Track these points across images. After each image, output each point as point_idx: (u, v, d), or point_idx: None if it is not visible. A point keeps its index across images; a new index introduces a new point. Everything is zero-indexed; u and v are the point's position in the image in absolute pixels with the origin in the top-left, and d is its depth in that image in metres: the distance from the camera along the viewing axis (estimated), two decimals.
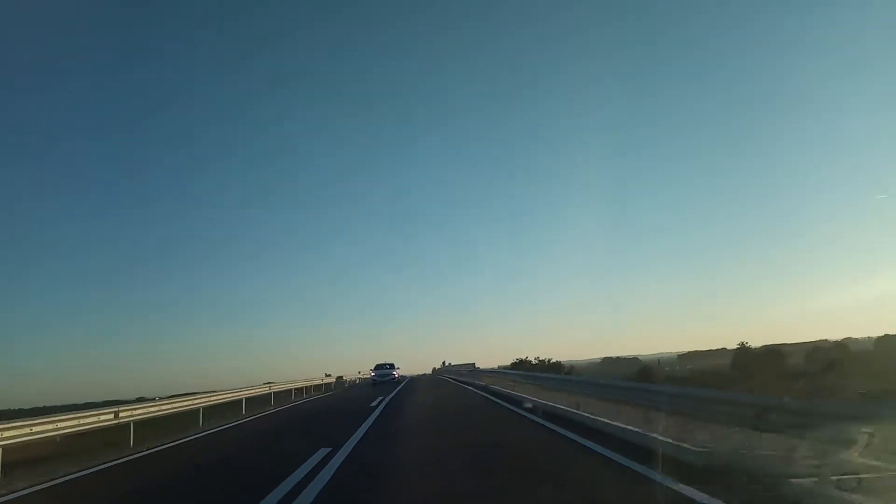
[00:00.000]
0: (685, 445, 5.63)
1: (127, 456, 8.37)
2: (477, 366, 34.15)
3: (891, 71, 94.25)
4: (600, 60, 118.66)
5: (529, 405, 11.17)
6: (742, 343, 55.33)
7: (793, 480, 4.03)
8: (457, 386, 23.63)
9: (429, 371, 57.34)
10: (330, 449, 7.44)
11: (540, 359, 45.64)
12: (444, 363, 52.81)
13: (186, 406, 12.29)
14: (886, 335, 54.01)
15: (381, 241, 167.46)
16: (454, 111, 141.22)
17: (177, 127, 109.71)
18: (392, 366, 33.32)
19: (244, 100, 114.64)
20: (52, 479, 6.67)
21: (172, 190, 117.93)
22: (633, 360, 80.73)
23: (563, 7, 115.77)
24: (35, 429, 7.72)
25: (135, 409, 10.18)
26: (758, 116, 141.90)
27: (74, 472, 7.10)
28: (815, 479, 3.89)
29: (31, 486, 6.37)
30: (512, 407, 11.78)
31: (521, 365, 43.43)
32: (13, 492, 6.10)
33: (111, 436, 10.25)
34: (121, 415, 9.70)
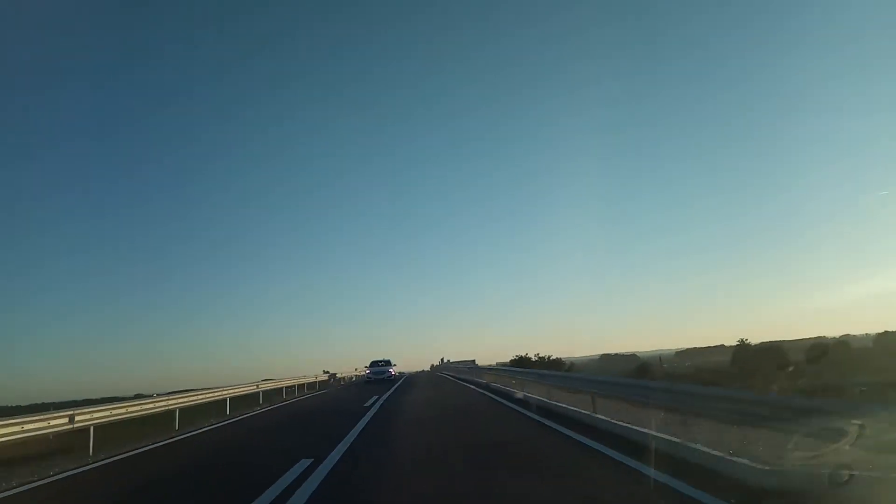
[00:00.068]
0: (742, 461, 4.38)
1: (75, 469, 7.07)
2: (477, 363, 32.62)
3: (891, 70, 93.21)
4: (600, 60, 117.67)
5: (546, 409, 9.90)
6: (742, 340, 54.32)
7: None
8: (456, 384, 22.34)
9: (427, 368, 56.17)
10: (310, 461, 6.21)
11: (540, 355, 44.41)
12: (442, 360, 51.57)
13: (161, 407, 10.96)
14: (886, 332, 53.12)
15: (381, 239, 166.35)
16: (454, 110, 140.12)
17: (176, 126, 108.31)
18: (388, 362, 31.42)
19: (244, 100, 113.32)
20: None
21: (172, 189, 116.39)
22: (632, 357, 79.55)
23: (562, 7, 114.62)
24: None
25: (95, 411, 8.85)
26: (755, 115, 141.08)
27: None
28: None
29: None
30: (524, 411, 10.50)
31: (521, 362, 42.14)
32: None
33: (69, 442, 8.97)
34: (77, 419, 8.38)
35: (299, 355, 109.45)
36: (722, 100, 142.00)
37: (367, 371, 30.71)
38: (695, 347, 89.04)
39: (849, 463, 3.39)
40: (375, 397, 15.88)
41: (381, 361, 31.60)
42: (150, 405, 10.66)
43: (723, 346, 79.04)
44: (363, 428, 9.00)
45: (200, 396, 12.73)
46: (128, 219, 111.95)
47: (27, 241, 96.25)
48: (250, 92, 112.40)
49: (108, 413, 9.21)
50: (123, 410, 9.76)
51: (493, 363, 38.90)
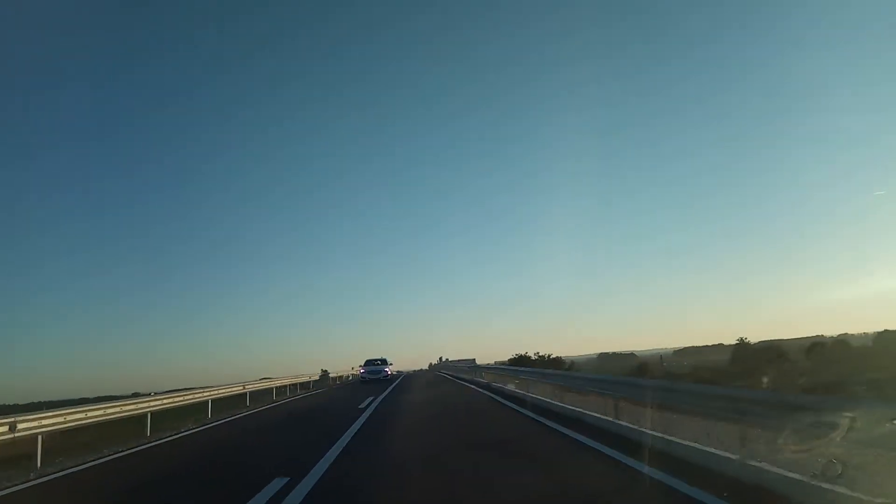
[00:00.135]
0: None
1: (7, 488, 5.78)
2: (477, 362, 31.26)
3: (891, 68, 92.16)
4: (600, 60, 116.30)
5: (566, 417, 8.64)
6: (741, 338, 53.39)
7: None
8: (456, 384, 21.08)
9: (425, 367, 54.93)
10: (286, 481, 5.00)
11: (539, 354, 43.27)
12: (441, 359, 50.32)
13: (129, 412, 9.65)
14: (886, 330, 52.28)
15: (380, 238, 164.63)
16: (454, 110, 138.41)
17: (176, 126, 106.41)
18: (384, 361, 29.42)
19: (244, 100, 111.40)
20: None
21: (172, 189, 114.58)
22: (630, 356, 78.44)
23: (562, 6, 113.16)
24: None
25: (44, 418, 7.54)
26: (754, 114, 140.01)
27: None
28: None
29: None
30: (538, 417, 9.22)
31: (520, 361, 41.03)
32: None
33: (20, 451, 7.67)
34: (20, 426, 7.07)
35: (298, 354, 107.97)
36: (721, 99, 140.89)
37: (362, 371, 28.54)
38: (693, 346, 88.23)
39: (842, 456, 3.32)
40: (371, 398, 14.60)
41: (376, 360, 29.57)
42: (117, 409, 9.35)
43: (721, 344, 78.19)
44: (354, 435, 7.72)
45: (178, 399, 11.41)
46: (127, 218, 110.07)
47: (27, 241, 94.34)
48: (250, 92, 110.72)
49: (61, 420, 7.89)
50: (82, 416, 8.44)
51: (492, 362, 37.56)
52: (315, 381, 24.34)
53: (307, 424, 10.30)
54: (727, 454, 4.51)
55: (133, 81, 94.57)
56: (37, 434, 7.36)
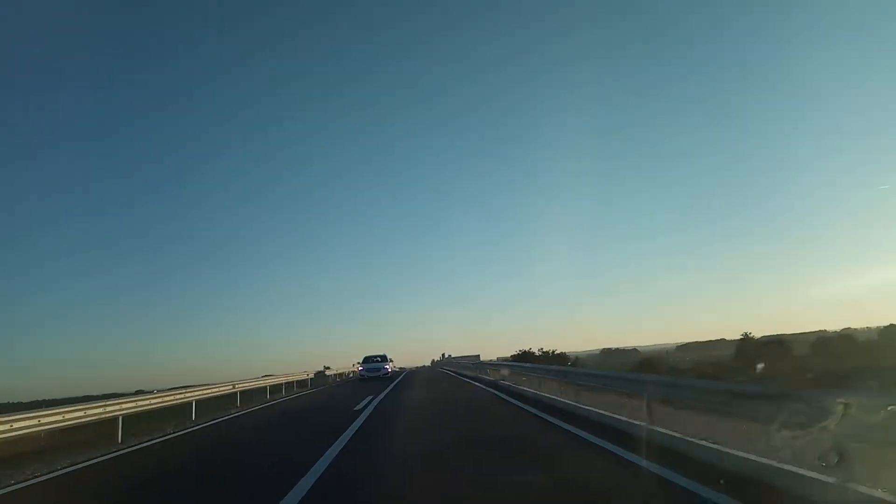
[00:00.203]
0: None
1: None
2: (481, 358, 29.90)
3: (892, 63, 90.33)
4: (599, 60, 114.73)
5: (598, 423, 7.37)
6: (745, 333, 52.00)
7: None
8: (461, 381, 19.81)
9: (428, 363, 53.80)
10: None
11: (544, 350, 41.97)
12: (443, 355, 49.15)
13: (95, 416, 8.42)
14: (892, 325, 50.97)
15: (381, 237, 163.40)
16: (454, 109, 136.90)
17: (176, 126, 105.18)
18: (384, 358, 27.32)
19: (244, 100, 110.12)
20: None
21: (172, 189, 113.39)
22: (632, 352, 77.08)
23: (561, 6, 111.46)
24: None
25: None
26: (755, 111, 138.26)
27: None
28: None
29: None
30: (563, 424, 7.95)
31: (524, 357, 39.78)
32: None
33: None
34: None
35: (301, 352, 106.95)
36: (722, 96, 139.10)
37: (360, 368, 26.40)
38: (695, 342, 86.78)
39: (839, 445, 3.23)
40: (370, 398, 13.35)
41: (375, 357, 27.47)
42: (80, 413, 8.12)
43: (724, 339, 76.80)
44: (345, 446, 6.45)
45: (156, 400, 10.16)
46: (127, 218, 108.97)
47: (27, 241, 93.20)
48: (250, 92, 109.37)
49: (6, 427, 6.66)
50: (34, 422, 7.20)
51: (495, 358, 36.38)
52: (314, 378, 22.82)
53: (294, 431, 9.04)
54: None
55: (133, 81, 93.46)
56: None
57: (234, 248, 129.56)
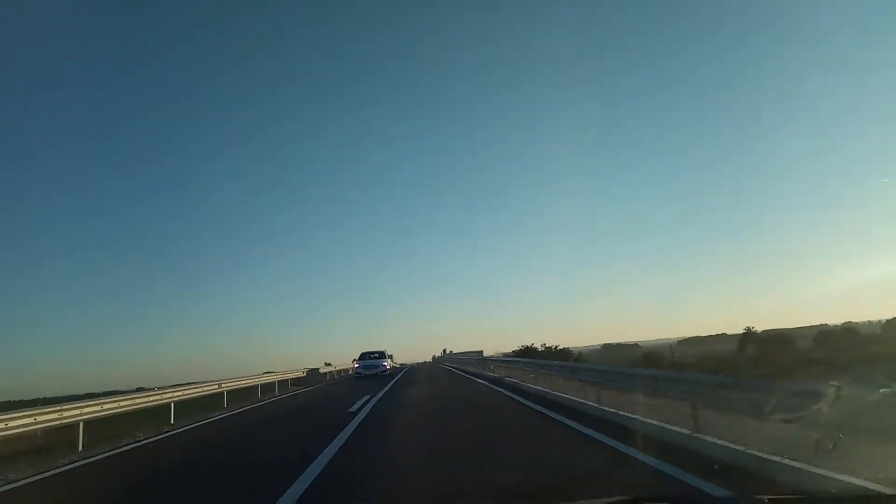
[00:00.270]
0: None
1: None
2: (485, 354, 28.56)
3: (892, 57, 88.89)
4: (597, 59, 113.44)
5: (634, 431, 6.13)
6: (748, 328, 50.80)
7: None
8: (464, 378, 18.58)
9: (429, 359, 52.63)
10: None
11: (546, 345, 40.71)
12: (444, 351, 47.95)
13: (50, 422, 7.17)
14: (895, 318, 49.84)
15: (382, 233, 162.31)
16: (455, 106, 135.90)
17: (176, 126, 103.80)
18: (382, 355, 25.21)
19: (244, 100, 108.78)
20: None
21: (171, 188, 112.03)
22: (634, 346, 75.91)
23: (560, 5, 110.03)
24: None
25: None
26: (756, 106, 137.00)
27: None
28: None
29: None
30: (605, 438, 6.70)
31: (527, 352, 38.56)
32: None
33: None
34: None
35: (302, 348, 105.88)
36: (722, 92, 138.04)
37: (357, 365, 24.08)
38: (696, 336, 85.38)
39: (834, 431, 3.23)
40: (367, 397, 12.12)
41: (373, 353, 25.13)
42: (29, 420, 6.85)
43: (724, 334, 75.41)
44: (330, 462, 5.20)
45: (126, 403, 8.90)
46: (128, 218, 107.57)
47: (27, 241, 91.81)
48: (250, 92, 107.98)
49: None
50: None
51: (496, 354, 35.22)
52: (306, 376, 21.23)
53: (279, 438, 7.78)
54: None
55: (133, 81, 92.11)
56: None
57: (235, 247, 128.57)
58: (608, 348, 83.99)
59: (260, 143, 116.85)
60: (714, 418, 5.10)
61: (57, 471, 6.05)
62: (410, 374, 26.03)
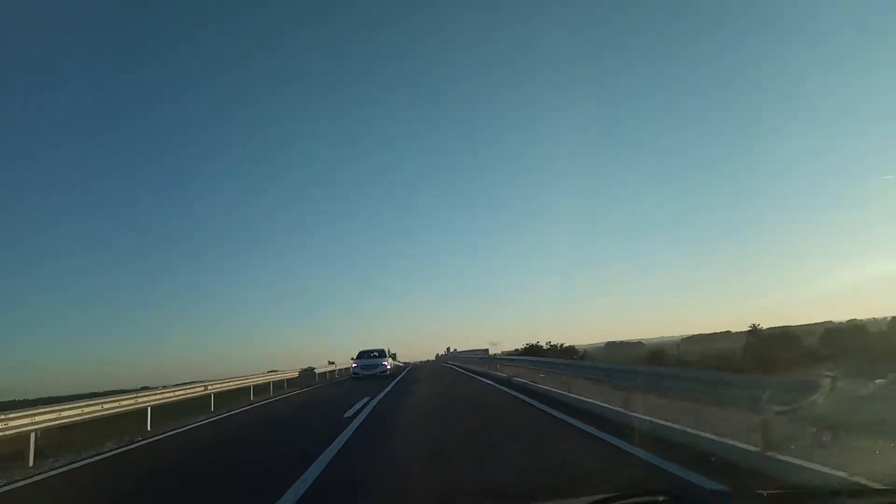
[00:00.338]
0: None
1: None
2: (491, 352, 27.27)
3: (893, 52, 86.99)
4: (596, 58, 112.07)
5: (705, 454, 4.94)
6: (753, 325, 49.51)
7: None
8: (470, 378, 17.43)
9: (432, 358, 51.53)
10: None
11: (552, 343, 39.55)
12: (448, 349, 46.80)
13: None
14: None
15: (383, 232, 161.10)
16: (455, 105, 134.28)
17: (176, 126, 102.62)
18: (382, 353, 23.09)
19: (244, 100, 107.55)
20: None
21: (171, 189, 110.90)
22: (638, 344, 74.51)
23: (558, 5, 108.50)
24: None
25: None
26: (756, 102, 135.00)
27: None
28: None
29: None
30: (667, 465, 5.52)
31: (532, 350, 37.42)
32: None
33: None
34: None
35: (305, 347, 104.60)
36: (722, 91, 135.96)
37: (354, 365, 21.85)
38: (700, 334, 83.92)
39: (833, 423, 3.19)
40: (366, 399, 10.99)
41: (372, 352, 22.96)
42: None
43: (729, 332, 74.01)
44: (314, 483, 4.05)
45: (91, 409, 7.77)
46: (128, 218, 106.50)
47: (27, 241, 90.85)
48: (250, 92, 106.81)
49: None
50: None
51: (499, 352, 34.07)
52: (302, 376, 19.83)
53: (257, 450, 6.66)
54: None
55: (133, 81, 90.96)
56: None
57: (236, 246, 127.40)
58: (612, 346, 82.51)
59: (260, 143, 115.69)
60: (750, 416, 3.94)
61: None
62: (413, 373, 24.89)
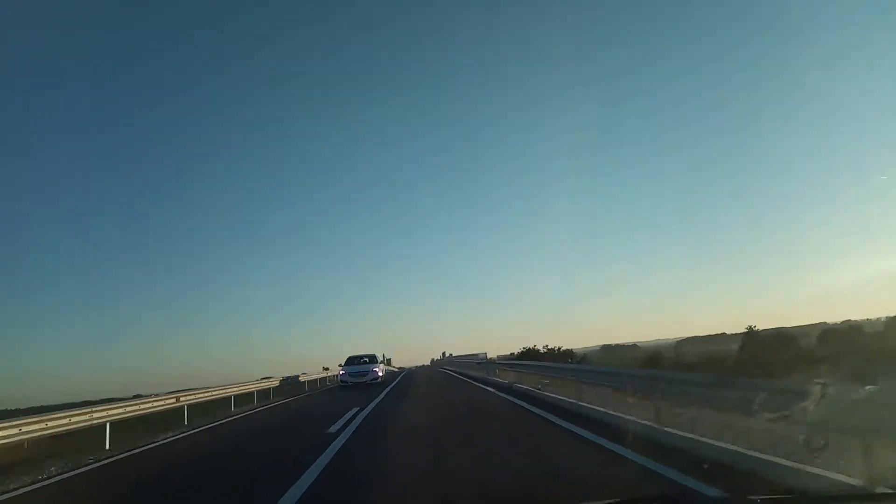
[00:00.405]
0: None
1: None
2: (489, 356, 26.07)
3: (892, 51, 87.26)
4: (597, 58, 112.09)
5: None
6: (750, 327, 48.83)
7: None
8: (470, 385, 16.30)
9: (427, 362, 50.36)
10: None
11: (549, 347, 38.58)
12: (443, 354, 45.67)
13: None
14: None
15: (379, 236, 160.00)
16: (455, 106, 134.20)
17: (176, 126, 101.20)
18: (373, 359, 20.87)
19: (244, 100, 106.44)
20: None
21: (171, 189, 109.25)
22: (633, 347, 73.71)
23: (557, 5, 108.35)
24: None
25: None
26: (754, 104, 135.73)
27: None
28: None
29: None
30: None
31: (528, 354, 36.46)
32: None
33: None
34: None
35: (301, 351, 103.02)
36: (722, 91, 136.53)
37: (342, 371, 19.87)
38: (695, 336, 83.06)
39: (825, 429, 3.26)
40: (355, 410, 9.86)
41: (362, 357, 20.92)
42: None
43: (724, 334, 73.19)
44: None
45: (33, 429, 6.56)
46: (127, 218, 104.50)
47: (27, 241, 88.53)
48: (250, 92, 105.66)
49: None
50: None
51: (495, 356, 32.97)
52: (284, 385, 18.25)
53: (227, 476, 5.51)
54: None
55: (133, 81, 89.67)
56: None
57: (234, 248, 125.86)
58: (607, 349, 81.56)
59: (260, 144, 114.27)
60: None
61: None
62: (409, 379, 23.69)
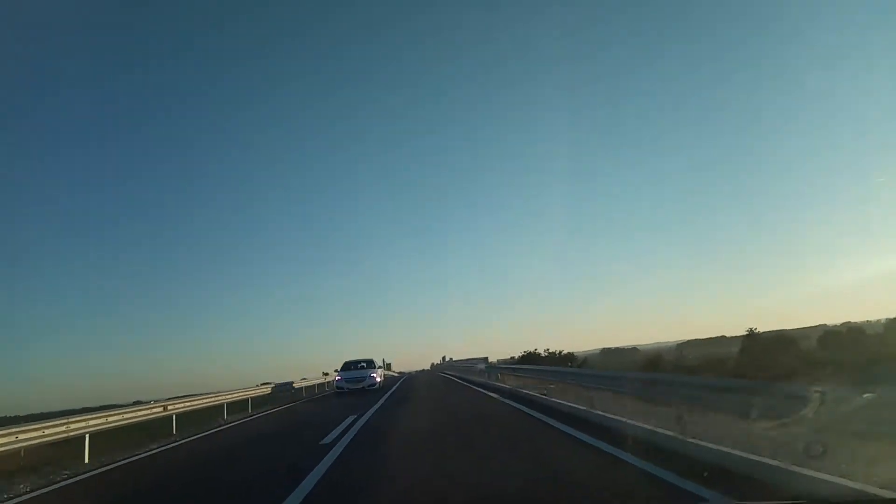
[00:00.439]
0: None
1: None
2: (490, 360, 25.54)
3: (891, 51, 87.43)
4: (596, 59, 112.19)
5: None
6: (751, 329, 48.36)
7: None
8: (473, 391, 15.74)
9: (427, 367, 49.78)
10: None
11: (550, 350, 38.08)
12: (444, 358, 45.10)
13: None
14: None
15: (380, 238, 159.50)
16: (455, 107, 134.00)
17: (176, 128, 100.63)
18: (370, 364, 19.99)
19: (244, 100, 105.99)
20: None
21: (171, 190, 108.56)
22: (633, 350, 73.10)
23: (557, 5, 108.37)
24: None
25: None
26: (753, 105, 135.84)
27: None
28: None
29: None
30: None
31: (529, 358, 35.93)
32: None
33: None
34: None
35: (301, 356, 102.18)
36: (722, 91, 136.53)
37: (338, 378, 18.99)
38: (695, 339, 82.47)
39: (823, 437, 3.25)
40: (352, 418, 9.34)
41: (359, 362, 20.06)
42: None
43: (724, 336, 72.72)
44: None
45: (20, 438, 6.05)
46: (127, 219, 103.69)
47: (27, 242, 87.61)
48: (250, 92, 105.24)
49: None
50: None
51: (495, 360, 32.40)
52: (276, 391, 17.52)
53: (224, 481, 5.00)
54: None
55: (133, 82, 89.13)
56: None
57: (234, 253, 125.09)
58: (607, 353, 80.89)
59: (260, 144, 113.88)
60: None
61: None
62: (409, 384, 23.12)
